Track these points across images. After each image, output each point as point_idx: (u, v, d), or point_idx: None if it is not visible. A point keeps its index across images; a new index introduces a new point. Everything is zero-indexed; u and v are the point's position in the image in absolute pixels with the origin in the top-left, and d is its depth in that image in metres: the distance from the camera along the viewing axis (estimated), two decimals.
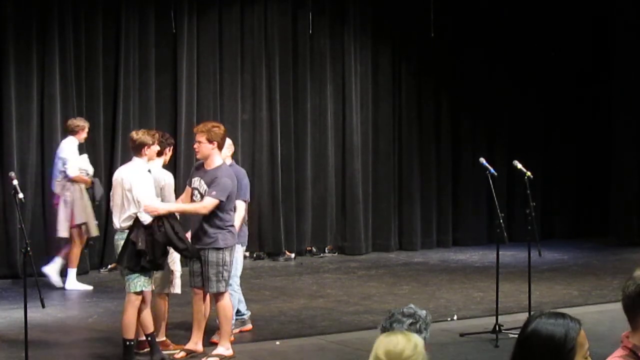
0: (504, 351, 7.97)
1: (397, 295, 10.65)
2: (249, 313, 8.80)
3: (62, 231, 10.88)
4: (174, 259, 8.07)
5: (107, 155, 12.51)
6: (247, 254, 12.36)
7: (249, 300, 9.45)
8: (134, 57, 12.65)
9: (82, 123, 11.17)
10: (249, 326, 8.74)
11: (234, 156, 8.90)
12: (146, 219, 7.43)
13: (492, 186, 8.48)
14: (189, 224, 8.13)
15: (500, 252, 8.73)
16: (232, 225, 7.76)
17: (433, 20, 14.07)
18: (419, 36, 14.34)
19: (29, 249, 6.99)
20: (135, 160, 7.77)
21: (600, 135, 15.41)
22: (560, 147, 15.50)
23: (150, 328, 7.67)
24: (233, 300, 8.44)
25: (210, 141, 7.68)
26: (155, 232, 7.40)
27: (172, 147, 8.39)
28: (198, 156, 7.92)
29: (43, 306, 7.13)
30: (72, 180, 10.85)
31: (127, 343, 7.56)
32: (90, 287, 11.08)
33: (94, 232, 11.00)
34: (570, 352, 2.96)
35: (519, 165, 8.78)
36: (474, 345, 8.26)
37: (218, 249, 7.62)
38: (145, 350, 7.98)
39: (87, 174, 11.04)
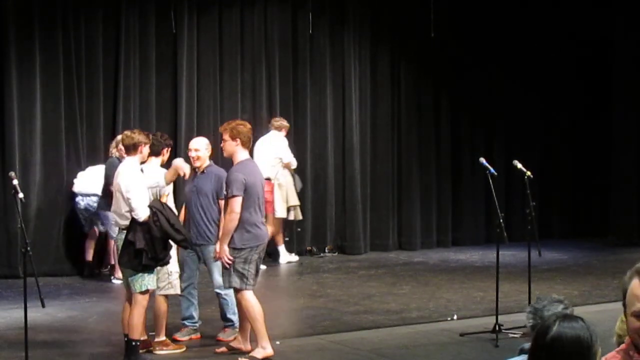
0: (504, 351, 7.97)
1: (397, 295, 10.65)
2: (200, 322, 8.67)
3: (280, 212, 12.63)
4: (171, 259, 8.05)
5: (107, 154, 12.50)
6: None
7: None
8: (134, 56, 12.66)
9: (285, 123, 12.86)
10: (199, 334, 8.57)
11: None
12: (141, 217, 7.42)
13: (491, 186, 8.47)
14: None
15: (500, 252, 8.72)
16: (254, 225, 7.65)
17: (433, 20, 14.08)
18: (418, 36, 14.35)
19: (29, 248, 6.99)
20: (128, 159, 7.77)
21: (600, 135, 15.41)
22: (559, 147, 15.50)
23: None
24: (183, 304, 8.43)
25: (233, 138, 7.69)
26: (152, 228, 7.39)
27: (169, 148, 8.39)
28: (225, 155, 7.95)
29: (43, 306, 7.13)
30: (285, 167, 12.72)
31: (133, 343, 7.55)
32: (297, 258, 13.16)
33: (300, 216, 13.03)
34: (595, 354, 3.01)
35: (519, 165, 8.78)
36: (474, 345, 8.25)
37: (234, 248, 7.61)
38: (145, 350, 7.99)
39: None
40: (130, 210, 7.47)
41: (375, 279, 11.90)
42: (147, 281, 7.54)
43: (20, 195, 7.13)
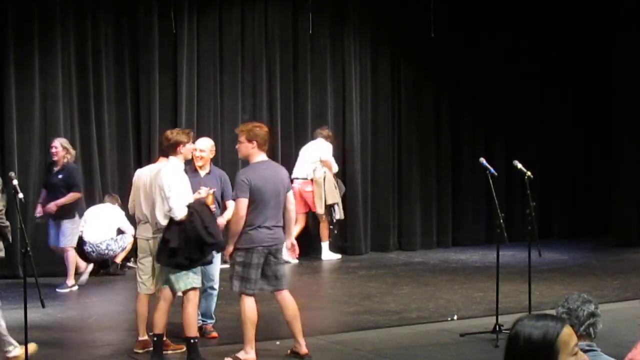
0: (503, 351, 7.96)
1: (397, 295, 10.65)
2: (213, 320, 8.73)
3: (318, 208, 13.12)
4: None
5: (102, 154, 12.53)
6: None
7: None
8: (134, 57, 12.66)
9: (330, 133, 13.48)
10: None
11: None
12: (178, 216, 7.43)
13: (492, 186, 8.47)
14: None
15: (500, 252, 8.72)
16: (253, 227, 7.57)
17: (433, 20, 14.08)
18: (418, 36, 14.35)
19: (28, 248, 6.98)
20: (171, 159, 7.79)
21: (600, 134, 15.42)
22: (560, 147, 15.50)
23: (162, 329, 7.68)
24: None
25: (249, 140, 7.68)
26: (187, 228, 7.42)
27: None
28: (239, 156, 8.01)
29: (43, 306, 7.13)
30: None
31: (192, 341, 7.58)
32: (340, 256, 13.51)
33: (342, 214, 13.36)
34: (551, 353, 2.98)
35: (519, 165, 8.77)
36: (474, 345, 8.25)
37: (236, 248, 7.64)
38: (145, 350, 7.99)
39: None
40: (169, 209, 7.50)
41: (375, 279, 11.90)
42: (191, 279, 7.57)
43: (20, 195, 7.13)
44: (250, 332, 7.65)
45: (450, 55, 14.68)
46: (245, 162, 8.04)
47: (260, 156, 7.72)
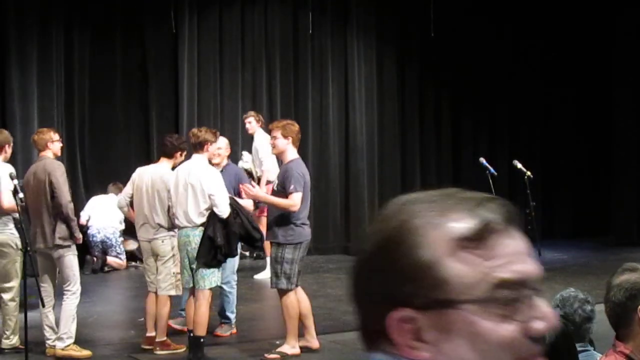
0: None
1: None
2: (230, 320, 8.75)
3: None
4: (177, 260, 8.06)
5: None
6: (248, 253, 12.38)
7: (249, 300, 9.46)
8: (134, 56, 12.67)
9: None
10: (234, 330, 8.68)
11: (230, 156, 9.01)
12: (225, 213, 7.47)
13: (492, 186, 8.47)
14: None
15: None
16: (299, 223, 7.69)
17: (433, 19, 14.08)
18: (420, 36, 14.34)
19: (29, 248, 6.99)
20: (197, 156, 7.83)
21: (600, 134, 15.42)
22: (560, 147, 15.50)
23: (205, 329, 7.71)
24: (231, 298, 8.51)
25: (285, 136, 7.78)
26: (232, 225, 7.47)
27: (183, 152, 8.34)
28: (274, 151, 8.11)
29: (43, 305, 7.13)
30: None
31: (201, 340, 7.61)
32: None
33: None
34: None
35: (519, 165, 8.79)
36: None
37: (279, 244, 7.66)
38: (151, 346, 8.01)
39: None
40: (213, 207, 7.52)
41: None
42: (216, 278, 7.68)
43: (20, 195, 7.13)
44: (295, 327, 7.79)
45: (451, 55, 14.67)
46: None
47: (294, 152, 7.88)
